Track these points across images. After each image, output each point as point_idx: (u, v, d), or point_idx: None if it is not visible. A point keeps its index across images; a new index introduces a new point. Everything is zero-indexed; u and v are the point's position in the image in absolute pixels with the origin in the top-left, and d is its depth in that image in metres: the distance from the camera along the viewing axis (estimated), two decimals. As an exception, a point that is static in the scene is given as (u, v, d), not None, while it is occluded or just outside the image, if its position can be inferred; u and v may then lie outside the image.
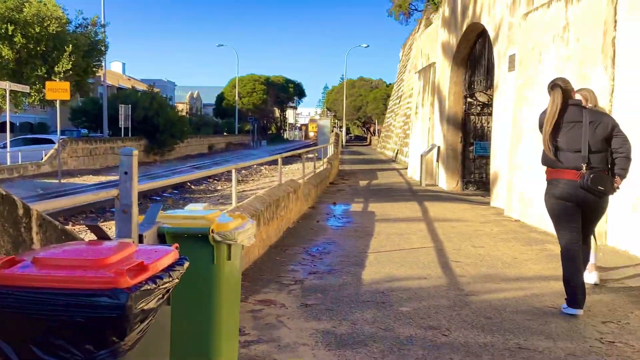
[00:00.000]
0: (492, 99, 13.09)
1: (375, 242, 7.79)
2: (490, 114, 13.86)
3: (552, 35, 8.68)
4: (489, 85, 13.53)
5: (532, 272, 6.05)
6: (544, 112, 4.87)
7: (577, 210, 4.69)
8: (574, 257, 4.67)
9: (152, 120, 36.85)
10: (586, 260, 5.04)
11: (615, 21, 7.25)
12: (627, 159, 4.67)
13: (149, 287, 1.87)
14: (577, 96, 4.94)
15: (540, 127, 4.92)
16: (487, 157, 14.09)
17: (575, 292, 4.60)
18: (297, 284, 5.54)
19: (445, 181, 15.64)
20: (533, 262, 6.52)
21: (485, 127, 14.94)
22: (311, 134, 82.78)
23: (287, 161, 30.55)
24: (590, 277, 5.37)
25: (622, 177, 4.71)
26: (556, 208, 4.75)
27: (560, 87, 4.72)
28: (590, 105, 5.04)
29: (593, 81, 7.38)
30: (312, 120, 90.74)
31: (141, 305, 1.83)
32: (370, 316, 4.54)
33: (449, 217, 10.01)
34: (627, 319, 4.53)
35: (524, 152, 9.51)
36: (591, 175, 4.53)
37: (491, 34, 11.98)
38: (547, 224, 8.48)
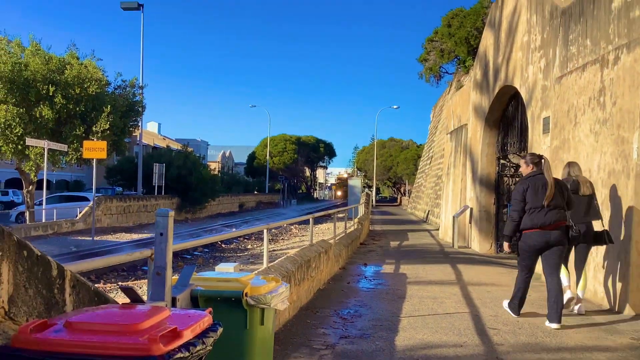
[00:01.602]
0: (525, 161, 12.95)
1: (408, 305, 7.59)
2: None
3: (588, 98, 8.62)
4: (523, 147, 13.42)
5: (574, 341, 5.78)
6: (522, 182, 6.67)
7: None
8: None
9: (185, 179, 37.39)
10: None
11: (653, 84, 7.16)
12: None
13: (182, 355, 1.80)
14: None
15: (520, 195, 6.56)
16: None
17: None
18: (329, 349, 5.39)
19: (478, 243, 15.35)
20: (574, 330, 6.25)
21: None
22: (338, 193, 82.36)
23: (317, 221, 30.52)
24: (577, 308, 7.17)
25: None
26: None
27: (544, 160, 6.72)
28: (572, 177, 7.38)
29: (632, 143, 7.25)
30: (339, 179, 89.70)
31: (174, 374, 1.76)
32: (405, 385, 4.36)
33: (484, 281, 9.75)
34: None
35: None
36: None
37: (524, 96, 11.96)
38: (587, 291, 8.19)
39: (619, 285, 7.35)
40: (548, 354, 5.29)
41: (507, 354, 5.27)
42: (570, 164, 7.60)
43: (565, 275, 7.10)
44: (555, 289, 6.35)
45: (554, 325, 6.24)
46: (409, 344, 5.62)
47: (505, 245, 7.01)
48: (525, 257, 6.70)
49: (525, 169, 6.79)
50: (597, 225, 7.34)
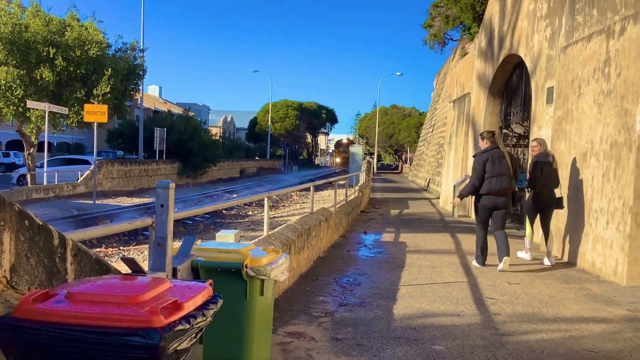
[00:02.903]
0: (528, 131, 12.91)
1: (407, 274, 7.66)
2: (526, 146, 13.65)
3: (593, 69, 8.54)
4: (526, 116, 13.35)
5: (571, 312, 5.85)
6: (482, 154, 8.01)
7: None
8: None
9: (186, 144, 37.34)
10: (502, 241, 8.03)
11: (659, 56, 7.08)
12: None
13: (182, 327, 1.82)
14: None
15: (481, 165, 7.92)
16: (523, 190, 13.84)
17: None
18: (327, 316, 5.46)
19: (478, 213, 15.38)
20: (571, 301, 6.31)
21: (522, 159, 14.71)
22: (337, 160, 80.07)
23: (318, 188, 30.58)
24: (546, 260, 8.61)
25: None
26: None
27: (497, 136, 8.25)
28: (541, 150, 8.67)
29: (635, 116, 7.21)
30: (337, 145, 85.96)
31: (174, 346, 1.79)
32: (402, 354, 4.42)
33: (483, 251, 9.80)
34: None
35: (562, 186, 9.31)
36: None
37: (529, 65, 11.85)
38: (585, 262, 8.26)
39: (610, 253, 7.40)
40: (544, 325, 5.35)
41: (504, 323, 5.33)
42: (543, 142, 8.89)
43: (529, 240, 8.96)
44: (501, 240, 7.97)
45: (505, 259, 7.85)
46: (407, 312, 5.68)
47: (456, 200, 8.78)
48: (481, 215, 8.19)
49: (483, 144, 8.17)
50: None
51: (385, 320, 5.36)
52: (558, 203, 8.78)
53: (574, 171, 8.91)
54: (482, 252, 8.26)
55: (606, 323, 5.44)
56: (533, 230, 9.02)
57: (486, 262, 8.30)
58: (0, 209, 2.17)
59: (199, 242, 3.35)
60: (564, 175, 9.24)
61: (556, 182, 8.75)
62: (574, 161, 8.95)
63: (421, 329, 5.11)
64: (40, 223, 2.42)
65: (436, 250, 9.79)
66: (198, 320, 1.91)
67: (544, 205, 8.69)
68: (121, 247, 11.77)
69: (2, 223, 2.17)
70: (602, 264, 7.77)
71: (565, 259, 9.03)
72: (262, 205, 19.33)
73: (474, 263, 8.35)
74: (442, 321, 5.38)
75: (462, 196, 8.41)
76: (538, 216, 8.85)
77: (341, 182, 16.33)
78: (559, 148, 9.65)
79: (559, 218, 9.28)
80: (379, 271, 7.83)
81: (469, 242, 10.85)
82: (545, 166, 8.51)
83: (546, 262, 8.57)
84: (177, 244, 3.08)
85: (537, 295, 6.56)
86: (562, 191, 8.95)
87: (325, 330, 5.00)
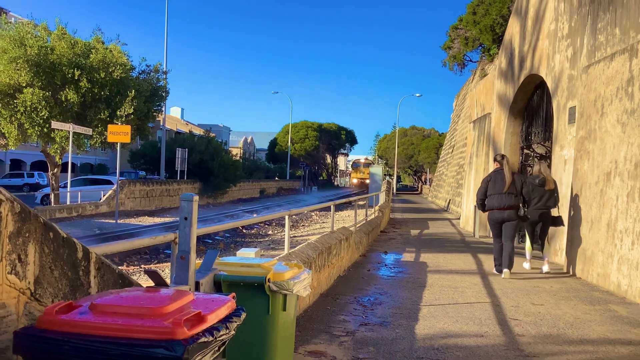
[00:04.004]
0: (550, 151, 12.79)
1: (428, 294, 7.57)
2: (548, 166, 13.50)
3: (616, 88, 8.46)
4: (547, 137, 13.24)
5: (597, 334, 5.72)
6: (488, 176, 9.38)
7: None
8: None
9: (207, 164, 37.59)
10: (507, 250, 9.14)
11: (684, 74, 6.99)
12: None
13: (206, 340, 1.81)
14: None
15: (484, 184, 9.29)
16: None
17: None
18: (349, 336, 5.40)
19: (500, 233, 15.21)
20: (597, 323, 6.18)
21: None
22: (354, 181, 76.87)
23: (338, 208, 30.53)
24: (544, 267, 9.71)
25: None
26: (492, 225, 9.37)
27: (506, 159, 9.24)
28: (542, 174, 9.57)
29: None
30: (354, 165, 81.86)
31: (197, 359, 1.77)
32: (425, 374, 4.35)
33: (505, 272, 9.67)
34: None
35: (586, 206, 9.19)
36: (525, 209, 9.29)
37: (550, 85, 11.78)
38: (609, 283, 8.10)
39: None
40: (570, 346, 5.23)
41: (528, 345, 5.23)
42: (541, 163, 9.95)
43: (529, 252, 10.05)
44: (508, 250, 9.03)
45: (505, 271, 9.00)
46: (429, 332, 5.61)
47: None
48: (491, 229, 9.46)
49: (494, 166, 9.36)
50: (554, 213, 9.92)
51: (407, 340, 5.29)
52: (554, 221, 9.81)
53: (598, 191, 8.80)
54: (498, 261, 9.32)
55: (633, 345, 5.31)
56: (532, 245, 10.12)
57: (511, 277, 9.06)
58: (26, 220, 2.19)
59: (219, 258, 3.35)
60: (585, 194, 9.12)
61: (551, 202, 9.64)
62: (598, 181, 8.83)
63: (444, 349, 5.03)
64: (65, 236, 2.43)
65: (458, 271, 9.68)
66: (221, 333, 1.90)
67: (536, 220, 9.65)
68: (142, 266, 11.82)
69: (27, 235, 2.19)
70: (628, 285, 7.62)
71: (581, 276, 9.10)
72: (282, 225, 19.33)
73: (494, 272, 9.36)
74: (465, 342, 5.29)
75: (481, 210, 9.68)
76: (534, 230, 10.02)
77: (361, 203, 16.28)
78: (582, 168, 9.54)
79: (584, 235, 9.16)
80: (400, 291, 7.75)
81: (490, 262, 10.71)
82: (535, 187, 9.46)
83: (544, 269, 9.69)
84: (198, 261, 3.08)
85: (562, 316, 6.44)
86: (563, 210, 10.20)
87: (347, 350, 4.94)
